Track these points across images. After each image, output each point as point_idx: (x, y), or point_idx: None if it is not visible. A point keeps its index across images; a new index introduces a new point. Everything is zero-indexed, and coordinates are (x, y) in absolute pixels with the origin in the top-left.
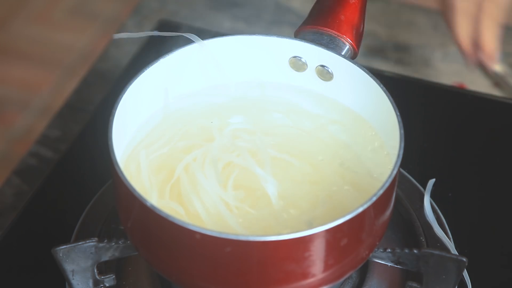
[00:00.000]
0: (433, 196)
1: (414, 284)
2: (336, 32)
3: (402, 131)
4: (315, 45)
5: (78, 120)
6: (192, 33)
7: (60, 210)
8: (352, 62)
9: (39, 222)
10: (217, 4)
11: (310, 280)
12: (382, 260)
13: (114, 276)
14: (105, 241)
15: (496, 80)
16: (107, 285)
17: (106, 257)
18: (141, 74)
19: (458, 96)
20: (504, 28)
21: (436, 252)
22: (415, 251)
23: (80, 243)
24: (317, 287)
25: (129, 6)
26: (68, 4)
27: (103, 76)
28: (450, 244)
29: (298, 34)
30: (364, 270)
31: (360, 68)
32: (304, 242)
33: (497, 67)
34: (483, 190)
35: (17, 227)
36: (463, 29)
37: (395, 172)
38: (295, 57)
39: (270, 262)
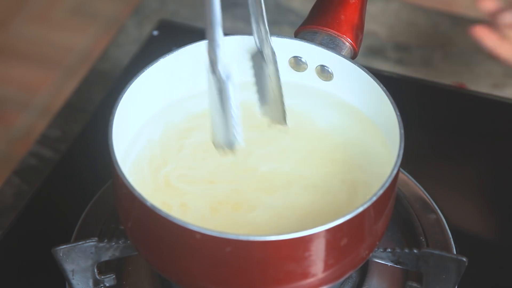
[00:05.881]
0: (433, 196)
1: (414, 284)
2: (336, 32)
3: (402, 131)
4: (315, 45)
5: (78, 120)
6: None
7: (60, 210)
8: (352, 62)
9: (39, 222)
10: None
11: (310, 280)
12: (382, 260)
13: (114, 276)
14: (105, 241)
15: None
16: (107, 285)
17: (106, 257)
18: (141, 74)
19: (458, 96)
20: None
21: (436, 252)
22: (415, 251)
23: (80, 243)
24: (317, 287)
25: (129, 6)
26: (68, 4)
27: (103, 76)
28: (450, 244)
29: (298, 34)
30: (364, 270)
31: (360, 68)
32: (304, 242)
33: None
34: (483, 190)
35: (17, 227)
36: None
37: (395, 172)
38: (295, 57)
39: (270, 262)
